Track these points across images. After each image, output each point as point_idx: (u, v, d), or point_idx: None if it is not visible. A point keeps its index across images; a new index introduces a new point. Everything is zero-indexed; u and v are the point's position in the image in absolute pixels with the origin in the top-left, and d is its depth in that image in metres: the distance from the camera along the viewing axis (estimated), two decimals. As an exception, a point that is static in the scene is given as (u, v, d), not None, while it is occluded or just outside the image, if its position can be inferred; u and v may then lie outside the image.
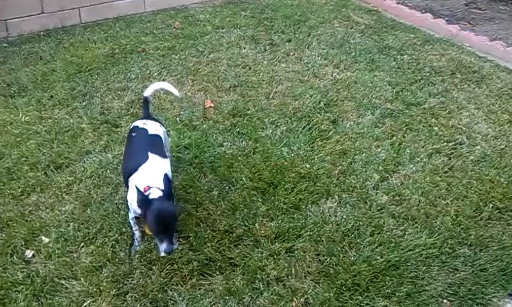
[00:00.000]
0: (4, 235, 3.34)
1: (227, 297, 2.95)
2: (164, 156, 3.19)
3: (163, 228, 2.87)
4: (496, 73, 5.39)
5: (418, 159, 4.08)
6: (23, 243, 3.28)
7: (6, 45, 5.94)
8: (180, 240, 3.29)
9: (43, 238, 3.32)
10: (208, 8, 7.03)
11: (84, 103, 4.75)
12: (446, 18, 6.76)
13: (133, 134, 3.35)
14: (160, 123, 3.54)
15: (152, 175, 2.99)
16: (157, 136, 3.35)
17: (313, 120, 4.52)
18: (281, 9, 6.94)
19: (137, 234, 3.23)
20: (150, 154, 3.09)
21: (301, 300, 2.95)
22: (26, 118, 4.52)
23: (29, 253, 3.22)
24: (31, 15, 6.19)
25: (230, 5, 7.14)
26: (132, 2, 6.78)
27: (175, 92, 3.72)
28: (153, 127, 3.38)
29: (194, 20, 6.64)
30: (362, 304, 2.93)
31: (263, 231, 3.37)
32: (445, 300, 2.98)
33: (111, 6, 6.62)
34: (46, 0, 6.22)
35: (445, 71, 5.41)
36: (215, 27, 6.42)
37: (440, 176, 3.91)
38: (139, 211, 2.95)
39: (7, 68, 5.40)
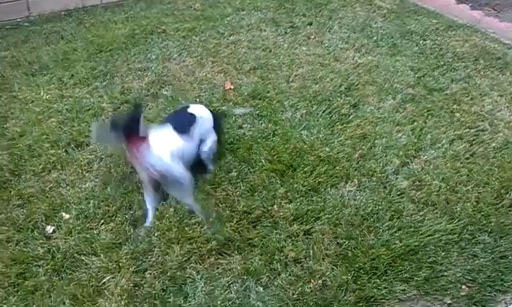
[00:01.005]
0: (25, 211, 3.39)
1: (245, 277, 2.96)
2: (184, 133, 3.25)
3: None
4: (520, 60, 5.30)
5: (439, 145, 4.04)
6: (44, 219, 3.32)
7: (27, 24, 5.97)
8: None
9: (64, 214, 3.35)
10: (229, -10, 6.99)
11: (104, 83, 4.77)
12: (470, 4, 6.64)
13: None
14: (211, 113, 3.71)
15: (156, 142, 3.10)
16: (192, 115, 3.47)
17: (333, 104, 4.48)
18: (303, -8, 6.87)
19: (150, 212, 3.29)
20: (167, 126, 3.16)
21: (319, 281, 2.95)
22: (47, 96, 4.55)
23: (49, 229, 3.25)
24: (53, -5, 6.21)
25: (250, -13, 7.09)
26: (153, -17, 6.76)
27: None
28: (199, 109, 3.60)
29: (215, 1, 6.60)
30: (380, 288, 2.93)
31: (281, 213, 3.37)
32: (463, 286, 2.96)
33: (132, -14, 6.61)
34: (67, -21, 6.24)
35: (468, 57, 5.32)
36: (235, 9, 6.38)
37: (461, 163, 3.86)
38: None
39: (28, 46, 5.43)
